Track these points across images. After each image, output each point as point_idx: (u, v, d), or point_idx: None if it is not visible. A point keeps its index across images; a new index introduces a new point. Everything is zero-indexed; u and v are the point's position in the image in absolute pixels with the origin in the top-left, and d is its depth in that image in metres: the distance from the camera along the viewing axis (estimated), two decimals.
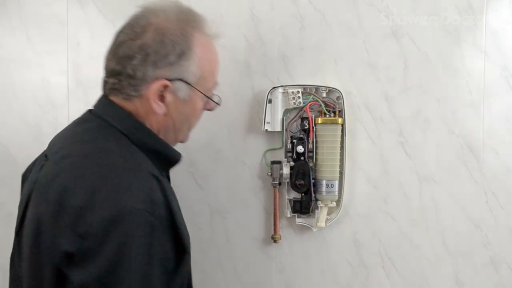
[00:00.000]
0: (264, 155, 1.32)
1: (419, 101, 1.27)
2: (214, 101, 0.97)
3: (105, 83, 0.91)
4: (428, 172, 1.28)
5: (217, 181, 1.34)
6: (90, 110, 0.94)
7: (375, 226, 1.30)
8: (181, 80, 0.89)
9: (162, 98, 0.89)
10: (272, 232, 1.30)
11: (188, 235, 0.88)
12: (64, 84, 1.34)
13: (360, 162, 1.29)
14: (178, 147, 0.97)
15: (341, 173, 1.27)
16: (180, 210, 0.88)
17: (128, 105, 0.90)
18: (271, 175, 1.29)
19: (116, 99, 0.90)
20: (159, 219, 0.78)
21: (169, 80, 0.88)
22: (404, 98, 1.28)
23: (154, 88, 0.87)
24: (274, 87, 1.27)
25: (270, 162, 1.30)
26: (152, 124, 0.91)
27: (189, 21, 0.91)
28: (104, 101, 0.92)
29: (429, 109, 1.27)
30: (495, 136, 1.26)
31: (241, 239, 1.34)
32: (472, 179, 1.26)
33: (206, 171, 1.34)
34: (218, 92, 0.97)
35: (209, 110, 0.99)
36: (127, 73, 0.88)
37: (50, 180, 0.81)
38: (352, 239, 1.30)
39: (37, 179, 0.84)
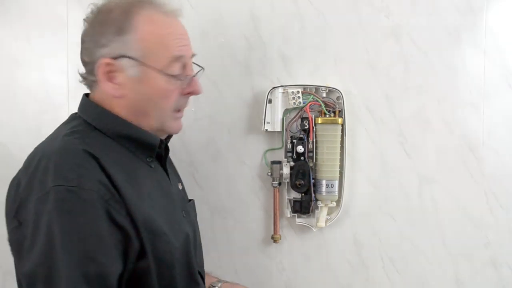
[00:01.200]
0: (264, 155, 1.31)
1: (419, 101, 1.27)
2: (172, 76, 0.88)
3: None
4: (428, 172, 1.28)
5: (217, 181, 1.34)
6: None
7: (375, 226, 1.29)
8: (124, 56, 0.86)
9: (111, 78, 0.87)
10: (272, 232, 1.30)
11: (156, 218, 0.85)
12: (64, 84, 1.34)
13: (360, 162, 1.29)
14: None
15: (341, 173, 1.27)
16: (148, 195, 0.87)
17: (95, 95, 0.92)
18: (271, 175, 1.29)
19: (90, 92, 0.93)
20: (87, 192, 0.77)
21: (112, 58, 0.86)
22: (404, 98, 1.28)
23: (100, 68, 0.87)
24: (274, 87, 1.27)
25: (270, 162, 1.30)
26: (118, 109, 0.89)
27: (137, 1, 0.89)
28: (82, 97, 0.94)
29: (429, 109, 1.27)
30: (495, 136, 1.26)
31: (241, 239, 1.34)
32: (472, 179, 1.26)
33: (206, 171, 1.34)
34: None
35: (191, 94, 0.92)
36: (83, 60, 0.90)
37: (13, 178, 0.85)
38: (352, 239, 1.30)
39: None
